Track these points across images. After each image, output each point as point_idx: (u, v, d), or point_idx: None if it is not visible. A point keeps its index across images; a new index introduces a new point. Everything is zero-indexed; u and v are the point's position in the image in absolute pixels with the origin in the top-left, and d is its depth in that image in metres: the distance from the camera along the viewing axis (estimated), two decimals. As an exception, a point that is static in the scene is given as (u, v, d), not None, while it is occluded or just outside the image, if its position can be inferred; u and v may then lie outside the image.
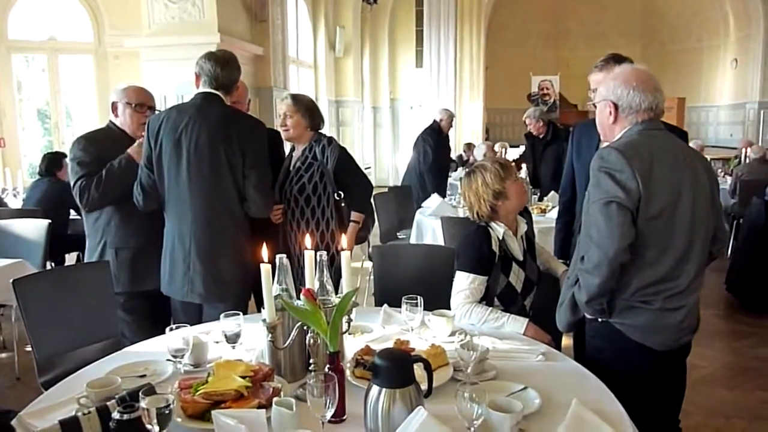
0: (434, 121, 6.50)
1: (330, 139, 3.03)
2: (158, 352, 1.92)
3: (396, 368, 1.37)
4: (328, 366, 1.45)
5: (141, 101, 2.84)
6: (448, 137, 6.72)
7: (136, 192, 2.60)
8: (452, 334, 2.00)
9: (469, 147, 9.03)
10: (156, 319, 2.90)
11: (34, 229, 4.00)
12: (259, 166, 2.57)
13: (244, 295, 2.60)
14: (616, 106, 1.84)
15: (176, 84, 6.77)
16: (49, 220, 3.99)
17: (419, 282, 2.63)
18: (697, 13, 13.17)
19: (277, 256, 1.66)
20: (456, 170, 7.73)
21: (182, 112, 2.53)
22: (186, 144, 2.48)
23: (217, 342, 1.93)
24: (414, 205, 6.10)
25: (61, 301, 2.49)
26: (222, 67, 2.52)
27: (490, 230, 2.24)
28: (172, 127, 2.50)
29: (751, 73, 11.57)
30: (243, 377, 1.53)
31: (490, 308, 2.16)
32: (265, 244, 1.57)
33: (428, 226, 4.60)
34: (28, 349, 2.48)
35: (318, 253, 1.71)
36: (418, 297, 1.93)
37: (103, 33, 7.87)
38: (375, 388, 1.37)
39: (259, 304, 2.81)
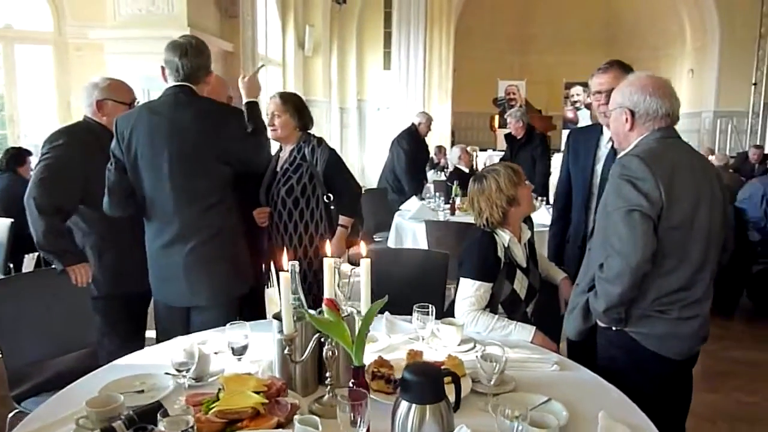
0: (411, 123, 6.48)
1: (319, 140, 2.94)
2: (152, 365, 1.80)
3: (427, 384, 1.30)
4: (352, 381, 1.37)
5: (132, 98, 2.70)
6: (425, 140, 6.69)
7: (111, 200, 2.40)
8: (461, 343, 1.95)
9: (440, 150, 9.03)
10: (133, 324, 2.77)
11: (-6, 228, 3.76)
12: (252, 146, 2.52)
13: (234, 300, 2.48)
14: (632, 113, 1.82)
15: (142, 78, 6.49)
16: (12, 219, 3.75)
17: (412, 287, 2.58)
18: (656, 23, 13.57)
19: (289, 264, 1.56)
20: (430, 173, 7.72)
21: (155, 113, 2.31)
22: (164, 150, 2.28)
23: (216, 353, 1.82)
24: (389, 207, 6.05)
25: (35, 308, 2.33)
26: (182, 54, 2.29)
27: (496, 237, 2.19)
28: (147, 132, 2.29)
29: (706, 82, 11.98)
30: (256, 392, 1.43)
31: (497, 316, 2.11)
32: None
33: (408, 229, 4.56)
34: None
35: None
36: (430, 305, 1.87)
37: (63, 23, 7.52)
38: (404, 404, 1.30)
39: (245, 309, 2.74)
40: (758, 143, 10.20)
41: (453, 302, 2.34)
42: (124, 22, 6.81)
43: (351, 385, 1.37)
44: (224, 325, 2.22)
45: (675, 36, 13.24)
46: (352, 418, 1.23)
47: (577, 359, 2.17)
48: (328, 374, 1.51)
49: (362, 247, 1.54)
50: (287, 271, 1.42)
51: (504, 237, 2.19)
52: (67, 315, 2.42)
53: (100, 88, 2.62)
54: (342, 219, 2.93)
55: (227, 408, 1.36)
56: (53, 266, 2.45)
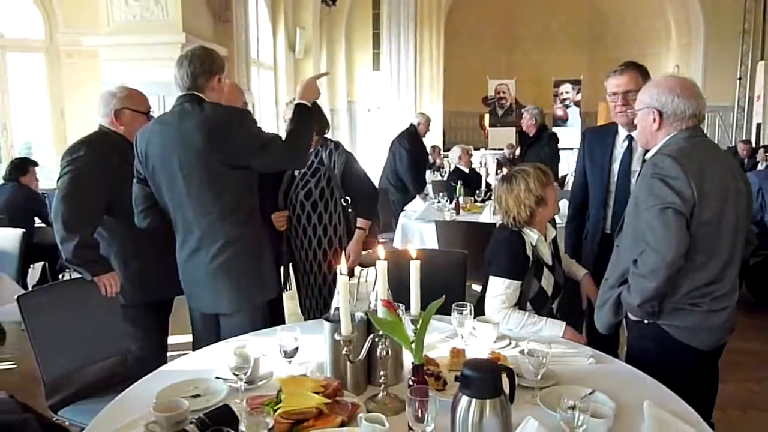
0: (411, 124, 6.54)
1: (336, 144, 2.98)
2: (198, 370, 1.83)
3: (487, 379, 1.35)
4: (411, 379, 1.42)
5: (149, 107, 2.71)
6: (423, 141, 6.76)
7: (138, 212, 2.43)
8: (497, 340, 2.01)
9: (435, 149, 9.10)
10: (159, 331, 2.80)
11: (5, 238, 3.74)
12: (265, 149, 2.31)
13: (260, 306, 2.49)
14: (660, 113, 1.89)
15: (138, 85, 6.46)
16: (23, 229, 3.75)
17: (433, 286, 2.62)
18: (640, 21, 13.77)
19: (337, 268, 1.60)
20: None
21: (165, 125, 2.34)
22: (176, 160, 2.28)
23: (263, 356, 1.85)
24: (392, 207, 6.11)
25: (68, 317, 2.34)
26: (179, 67, 2.31)
27: (524, 236, 2.25)
28: (159, 144, 2.32)
29: (692, 78, 12.17)
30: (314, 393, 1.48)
31: (527, 313, 2.17)
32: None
33: (415, 230, 4.61)
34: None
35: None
36: (468, 304, 1.92)
37: (55, 30, 7.47)
38: (464, 399, 1.35)
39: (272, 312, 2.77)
40: (744, 137, 10.41)
41: (479, 300, 2.40)
42: (118, 28, 6.79)
43: (411, 383, 1.42)
44: (252, 330, 2.31)
45: (660, 33, 13.45)
46: (420, 414, 1.28)
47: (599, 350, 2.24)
48: (382, 373, 1.55)
49: (411, 249, 1.58)
50: (345, 274, 1.46)
51: (532, 236, 2.25)
52: (97, 323, 2.44)
53: (119, 98, 2.61)
54: (360, 221, 2.97)
55: (292, 409, 1.40)
56: (82, 276, 2.47)
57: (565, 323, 2.14)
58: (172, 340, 4.14)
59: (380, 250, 1.53)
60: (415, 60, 11.20)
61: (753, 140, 10.57)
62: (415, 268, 1.57)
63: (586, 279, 2.51)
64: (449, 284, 2.80)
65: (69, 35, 7.35)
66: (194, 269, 2.41)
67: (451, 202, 5.06)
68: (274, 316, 2.73)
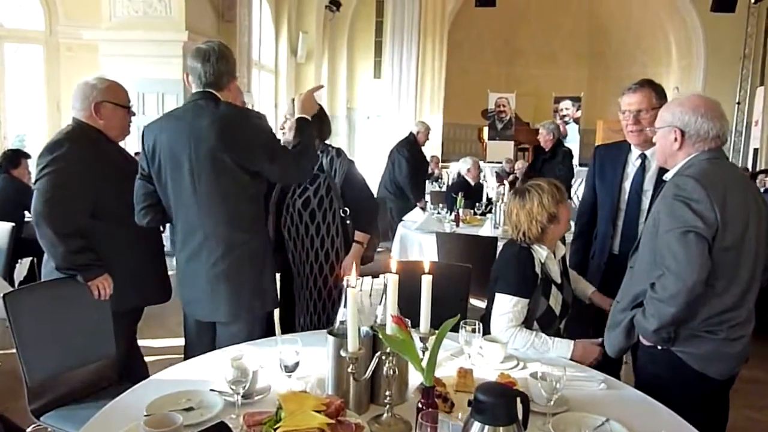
0: (410, 132, 6.49)
1: (338, 151, 2.87)
2: (191, 381, 1.74)
3: (501, 405, 1.28)
4: (421, 401, 1.34)
5: (129, 101, 2.59)
6: (422, 150, 6.71)
7: (138, 210, 2.36)
8: (504, 360, 1.93)
9: (433, 159, 9.05)
10: (130, 339, 2.69)
11: (-7, 232, 3.64)
12: (277, 159, 2.27)
13: (262, 313, 2.42)
14: (683, 133, 1.83)
15: (138, 81, 6.42)
16: (13, 224, 3.64)
17: (435, 300, 2.54)
18: (642, 41, 13.85)
19: (343, 282, 1.53)
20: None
21: (177, 120, 2.27)
22: (186, 158, 2.21)
23: (261, 368, 1.76)
24: (390, 217, 6.03)
25: (56, 318, 2.23)
26: (204, 60, 2.22)
27: (533, 252, 2.18)
28: (169, 139, 2.24)
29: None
30: (316, 411, 1.39)
31: (535, 332, 2.10)
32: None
33: (414, 240, 4.54)
34: None
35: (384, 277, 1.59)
36: (477, 323, 1.84)
37: (55, 22, 7.38)
38: (477, 425, 1.27)
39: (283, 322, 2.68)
40: (741, 162, 10.43)
41: (481, 317, 2.33)
42: (120, 23, 6.74)
43: (420, 405, 1.34)
44: (250, 339, 2.23)
45: (661, 53, 13.52)
46: (429, 440, 1.20)
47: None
48: (387, 393, 1.47)
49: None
50: (352, 286, 1.38)
51: (541, 253, 2.18)
52: (87, 325, 2.33)
53: (99, 89, 2.47)
54: (358, 235, 2.85)
55: (293, 428, 1.31)
56: (68, 275, 2.36)
57: (573, 343, 2.07)
58: (157, 343, 4.06)
59: (392, 263, 1.45)
60: (417, 70, 11.17)
61: (750, 165, 10.60)
62: (426, 283, 1.50)
63: (596, 295, 2.44)
64: (450, 298, 2.72)
65: (69, 28, 7.27)
66: (194, 273, 2.33)
67: (450, 214, 4.99)
68: (269, 329, 2.64)
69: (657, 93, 2.43)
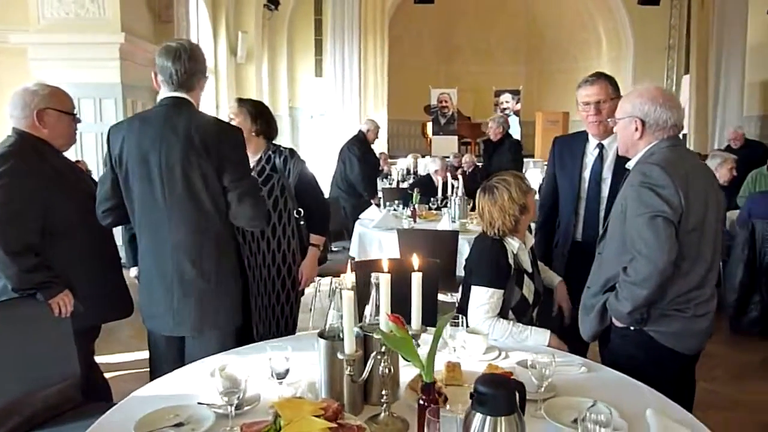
0: (359, 131, 6.49)
1: (292, 151, 2.82)
2: (174, 396, 1.68)
3: (502, 396, 1.30)
4: (422, 398, 1.35)
5: (74, 107, 2.47)
6: (372, 147, 6.72)
7: (101, 211, 2.26)
8: (486, 351, 1.97)
9: (382, 156, 9.08)
10: (87, 356, 2.57)
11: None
12: (243, 176, 2.21)
13: (232, 323, 2.34)
14: (643, 123, 1.91)
15: (72, 86, 6.03)
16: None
17: (405, 296, 2.56)
18: (575, 35, 14.36)
19: (336, 283, 1.52)
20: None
21: (146, 123, 2.16)
22: (155, 163, 2.12)
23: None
24: (344, 215, 6.02)
25: (13, 340, 2.11)
26: (175, 59, 2.12)
27: (506, 244, 2.23)
28: (137, 143, 2.14)
29: (621, 91, 12.78)
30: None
31: (512, 322, 2.15)
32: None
33: (373, 238, 4.53)
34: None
35: (374, 276, 1.59)
36: (461, 316, 1.87)
37: (-22, 26, 6.92)
38: (478, 417, 1.29)
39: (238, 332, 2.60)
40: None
41: (458, 309, 2.37)
42: (50, 26, 6.40)
43: (422, 402, 1.35)
44: (221, 351, 2.13)
45: (592, 47, 14.06)
46: (436, 435, 1.21)
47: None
48: (384, 392, 1.47)
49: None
50: (350, 288, 1.37)
51: (513, 244, 2.23)
52: (48, 344, 2.22)
53: (41, 96, 2.32)
54: (313, 237, 2.84)
55: (296, 435, 1.29)
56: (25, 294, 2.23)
57: (549, 331, 2.13)
58: (114, 359, 3.90)
59: (384, 262, 1.45)
60: (360, 67, 11.17)
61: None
62: (417, 280, 1.51)
63: (560, 286, 2.53)
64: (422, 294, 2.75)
65: (-7, 32, 6.83)
66: (157, 284, 2.23)
67: (406, 209, 5.02)
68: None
69: (612, 84, 2.54)
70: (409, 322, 1.81)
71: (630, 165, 2.02)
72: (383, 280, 1.43)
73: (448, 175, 5.87)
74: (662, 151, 1.88)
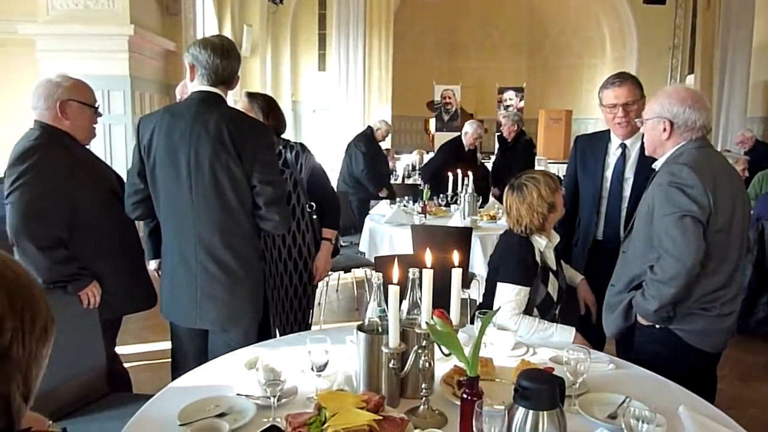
0: (368, 127, 6.53)
1: (303, 146, 2.84)
2: (210, 387, 1.70)
3: (545, 390, 1.33)
4: (466, 392, 1.37)
5: (96, 99, 2.47)
6: (379, 145, 6.75)
7: (130, 202, 2.31)
8: (514, 347, 1.99)
9: (389, 152, 9.09)
10: (110, 348, 2.59)
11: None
12: (273, 180, 2.22)
13: (255, 317, 2.36)
14: (672, 124, 1.93)
15: (80, 78, 6.10)
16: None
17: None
18: (579, 32, 14.34)
19: (374, 275, 1.54)
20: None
21: (177, 116, 2.17)
22: (184, 158, 2.13)
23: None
24: (352, 211, 6.03)
25: (45, 330, 2.12)
26: (222, 57, 2.14)
27: (533, 242, 2.25)
28: (167, 135, 2.15)
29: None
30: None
31: (537, 319, 2.17)
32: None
33: (384, 234, 4.55)
34: None
35: (411, 271, 1.61)
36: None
37: (-15, 16, 6.89)
38: (521, 411, 1.32)
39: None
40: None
41: (481, 305, 2.39)
42: (59, 17, 6.37)
43: (465, 396, 1.37)
44: (244, 344, 2.16)
45: (596, 45, 14.05)
46: (483, 429, 1.24)
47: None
48: (424, 386, 1.50)
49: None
50: (396, 284, 1.39)
51: (540, 242, 2.25)
52: (75, 336, 2.23)
53: (64, 88, 2.32)
54: (326, 232, 2.86)
55: (343, 427, 1.32)
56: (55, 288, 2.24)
57: (574, 329, 2.16)
58: (128, 350, 3.91)
59: (427, 257, 1.47)
60: (364, 62, 11.16)
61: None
62: (456, 276, 1.53)
63: (582, 283, 2.55)
64: (440, 290, 2.77)
65: (2, 22, 6.80)
66: (181, 276, 2.24)
67: (415, 205, 5.04)
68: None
69: (637, 85, 2.54)
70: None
71: (657, 165, 2.04)
72: (426, 276, 1.45)
73: (478, 142, 5.81)
74: (691, 152, 1.91)
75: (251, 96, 2.83)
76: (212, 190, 2.15)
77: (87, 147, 2.53)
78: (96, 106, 2.47)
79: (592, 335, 2.22)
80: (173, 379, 1.92)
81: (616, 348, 2.41)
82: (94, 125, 2.50)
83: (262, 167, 2.17)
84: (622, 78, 2.53)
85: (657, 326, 1.96)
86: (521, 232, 2.25)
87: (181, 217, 2.21)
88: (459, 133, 6.07)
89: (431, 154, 11.35)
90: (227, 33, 10.46)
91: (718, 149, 8.63)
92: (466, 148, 5.85)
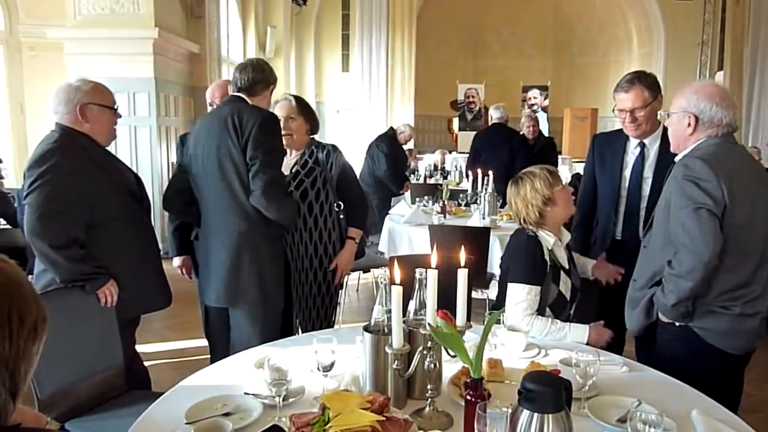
0: (390, 128, 6.54)
1: (334, 146, 2.88)
2: (218, 386, 1.72)
3: (550, 393, 1.30)
4: (470, 394, 1.36)
5: (115, 102, 2.51)
6: (401, 146, 6.75)
7: (165, 196, 2.72)
8: (525, 348, 1.96)
9: (411, 153, 9.08)
10: (130, 346, 2.64)
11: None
12: (269, 166, 2.42)
13: (270, 304, 2.57)
14: (697, 119, 1.89)
15: (106, 80, 6.14)
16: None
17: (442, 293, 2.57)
18: (605, 29, 14.12)
19: (379, 276, 1.53)
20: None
21: (211, 116, 2.61)
22: (201, 150, 2.51)
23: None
24: (372, 211, 6.03)
25: (63, 328, 2.16)
26: (240, 70, 2.54)
27: (541, 240, 2.22)
28: (195, 136, 2.58)
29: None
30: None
31: (550, 319, 2.14)
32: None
33: (403, 234, 4.54)
34: None
35: (418, 271, 1.60)
36: (501, 313, 1.87)
37: (16, 21, 7.09)
38: (526, 413, 1.29)
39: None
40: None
41: (494, 306, 2.37)
42: (86, 21, 6.52)
43: (469, 397, 1.36)
44: (262, 334, 2.45)
45: (622, 42, 13.81)
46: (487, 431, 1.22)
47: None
48: (429, 387, 1.48)
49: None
50: (398, 284, 1.38)
51: (548, 240, 2.22)
52: (92, 334, 2.28)
53: (84, 91, 2.36)
54: (351, 231, 2.89)
55: (346, 427, 1.31)
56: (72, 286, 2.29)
57: (588, 327, 2.12)
58: (149, 348, 3.97)
59: (433, 257, 1.46)
60: (387, 62, 11.16)
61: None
62: (463, 276, 1.51)
63: (600, 262, 2.53)
64: (452, 290, 2.75)
65: (31, 27, 7.01)
66: (207, 262, 2.60)
67: (435, 205, 5.02)
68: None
69: (649, 88, 2.45)
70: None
71: (678, 159, 2.00)
72: (431, 276, 1.44)
73: (531, 129, 5.92)
74: (708, 146, 1.87)
75: (298, 101, 2.87)
76: (219, 177, 2.46)
77: (107, 149, 2.57)
78: (115, 107, 2.52)
79: (613, 338, 2.17)
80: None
81: (635, 347, 2.35)
82: (115, 126, 2.54)
83: (253, 143, 2.39)
84: (631, 82, 2.44)
85: (677, 324, 1.91)
86: (526, 228, 2.23)
87: (209, 206, 2.56)
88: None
89: (454, 154, 11.34)
90: (251, 35, 10.58)
91: (748, 147, 8.43)
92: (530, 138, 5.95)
